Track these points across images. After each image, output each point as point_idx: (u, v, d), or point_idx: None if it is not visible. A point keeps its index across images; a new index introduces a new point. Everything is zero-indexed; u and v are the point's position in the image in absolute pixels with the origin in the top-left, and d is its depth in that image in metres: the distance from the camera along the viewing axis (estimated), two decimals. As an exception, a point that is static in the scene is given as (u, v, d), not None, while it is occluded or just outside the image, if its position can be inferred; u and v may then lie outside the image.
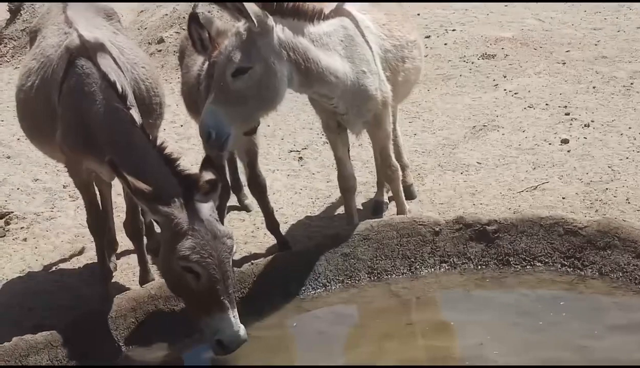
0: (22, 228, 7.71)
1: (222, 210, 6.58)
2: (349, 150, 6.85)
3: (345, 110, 6.33)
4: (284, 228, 7.19)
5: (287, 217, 7.50)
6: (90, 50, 5.94)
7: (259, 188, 6.83)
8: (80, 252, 7.15)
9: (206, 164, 5.49)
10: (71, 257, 7.20)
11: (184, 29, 11.85)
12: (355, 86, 6.23)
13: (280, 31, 5.84)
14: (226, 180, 6.99)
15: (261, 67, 5.79)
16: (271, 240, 7.04)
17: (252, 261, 6.23)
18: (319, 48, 6.04)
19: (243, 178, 7.28)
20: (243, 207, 7.71)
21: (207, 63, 6.37)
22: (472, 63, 10.42)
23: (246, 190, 7.32)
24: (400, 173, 6.92)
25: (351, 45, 6.23)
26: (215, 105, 5.73)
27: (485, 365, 5.11)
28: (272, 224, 6.92)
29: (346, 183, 6.74)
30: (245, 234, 7.30)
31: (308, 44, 5.96)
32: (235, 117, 5.80)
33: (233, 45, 5.74)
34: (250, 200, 7.45)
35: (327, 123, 6.63)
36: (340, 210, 7.37)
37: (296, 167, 8.37)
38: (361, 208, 7.47)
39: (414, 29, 7.08)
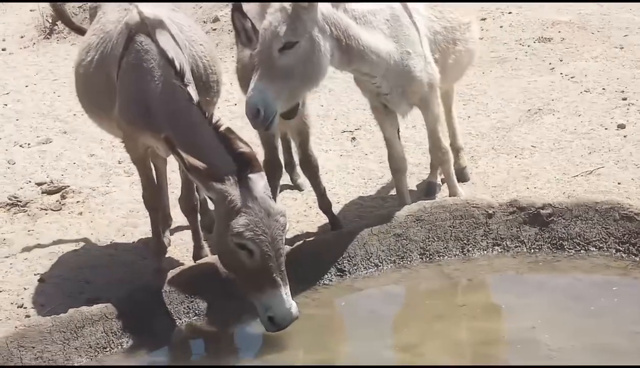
0: (77, 202, 7.82)
1: (275, 188, 6.63)
2: (398, 131, 6.82)
3: (388, 90, 6.30)
4: (336, 208, 7.21)
5: (339, 197, 7.51)
6: (149, 26, 5.99)
7: (311, 169, 6.84)
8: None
9: (230, 134, 5.50)
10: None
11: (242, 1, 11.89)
12: (399, 66, 6.20)
13: (323, 6, 5.84)
14: (279, 159, 7.02)
15: (306, 42, 5.78)
16: (323, 220, 7.07)
17: (305, 239, 6.26)
18: (362, 25, 6.03)
19: (296, 157, 7.30)
20: (296, 186, 7.73)
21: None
22: (528, 46, 10.32)
23: (299, 169, 7.34)
24: (451, 155, 6.89)
25: (396, 25, 6.19)
26: (261, 82, 5.72)
27: (488, 365, 5.09)
28: (324, 204, 6.94)
29: (396, 164, 6.73)
30: (298, 213, 7.33)
31: (349, 21, 5.95)
32: (281, 93, 5.79)
33: (278, 21, 5.73)
34: (303, 179, 7.48)
35: (373, 104, 6.62)
36: (393, 191, 7.37)
37: (349, 147, 8.38)
38: (414, 189, 7.45)
39: (470, 12, 7.02)
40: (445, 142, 6.84)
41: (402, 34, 6.22)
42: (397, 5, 6.23)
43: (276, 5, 5.79)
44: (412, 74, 6.28)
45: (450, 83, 7.14)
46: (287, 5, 5.74)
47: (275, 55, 5.73)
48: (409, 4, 6.31)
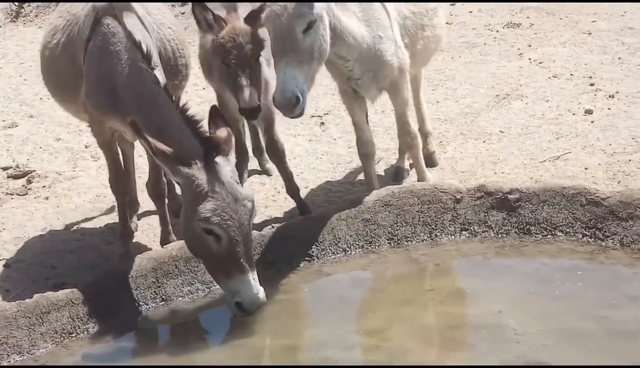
0: (44, 187, 7.75)
1: (241, 174, 6.60)
2: (367, 116, 6.81)
3: (360, 75, 6.29)
4: (304, 193, 7.20)
5: (308, 181, 7.50)
6: (116, 9, 5.94)
7: (277, 154, 6.83)
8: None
9: (215, 115, 5.50)
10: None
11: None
12: (371, 50, 6.20)
13: None
14: (244, 145, 6.99)
15: (319, 20, 5.74)
16: (292, 204, 7.06)
17: (273, 224, 6.25)
18: (339, 7, 6.01)
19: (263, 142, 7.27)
20: (264, 171, 7.71)
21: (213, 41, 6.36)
22: (497, 31, 10.34)
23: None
24: (420, 140, 6.89)
25: (368, 8, 6.19)
26: (292, 68, 5.62)
27: (494, 366, 5.12)
28: (292, 189, 6.93)
29: (365, 148, 6.72)
30: (266, 198, 7.31)
31: (330, 2, 5.93)
32: (307, 76, 5.74)
33: (293, 3, 5.62)
34: (271, 164, 7.45)
35: (342, 88, 6.59)
36: (361, 176, 7.36)
37: (318, 132, 8.36)
38: (382, 174, 7.46)
39: None
40: (414, 126, 6.84)
41: (374, 17, 6.21)
42: None
43: None
44: (384, 58, 6.27)
45: (418, 68, 7.14)
46: None
47: (300, 37, 5.65)
48: None
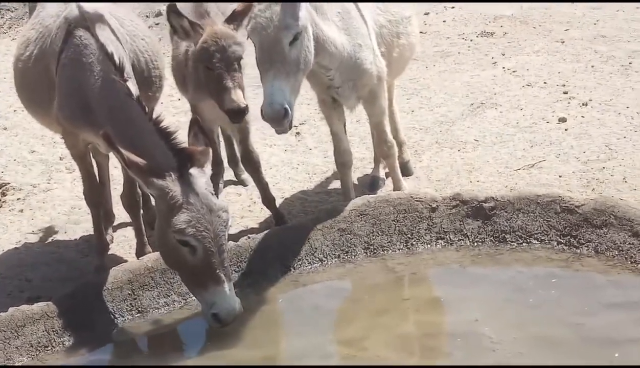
0: (18, 199, 7.71)
1: (216, 185, 6.59)
2: (345, 125, 6.83)
3: (340, 83, 6.31)
4: (280, 203, 7.20)
5: (284, 191, 7.50)
6: (88, 21, 5.92)
7: (252, 164, 6.81)
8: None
9: (194, 127, 5.50)
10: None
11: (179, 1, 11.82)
12: (351, 59, 6.21)
13: None
14: (219, 155, 6.98)
15: (305, 31, 5.74)
16: (268, 214, 7.05)
17: (249, 235, 6.24)
18: (320, 16, 6.02)
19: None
20: (240, 182, 7.69)
21: (191, 47, 6.35)
22: (471, 40, 10.39)
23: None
24: (396, 149, 6.91)
25: (348, 17, 6.20)
26: (279, 81, 5.60)
27: (492, 365, 5.13)
28: (267, 199, 6.92)
29: (342, 158, 6.73)
30: (242, 208, 7.30)
31: (312, 11, 5.93)
32: (294, 88, 5.73)
33: (279, 15, 5.62)
34: (247, 174, 7.44)
35: (321, 97, 6.60)
36: (337, 185, 7.37)
37: (293, 142, 8.36)
38: (357, 183, 7.46)
39: (410, 5, 7.05)
40: (390, 135, 6.85)
41: (353, 26, 6.23)
42: None
43: (266, 2, 5.67)
44: (363, 67, 6.29)
45: (394, 76, 7.16)
46: None
47: (287, 49, 5.64)
48: None
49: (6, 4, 12.55)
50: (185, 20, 6.13)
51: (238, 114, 6.10)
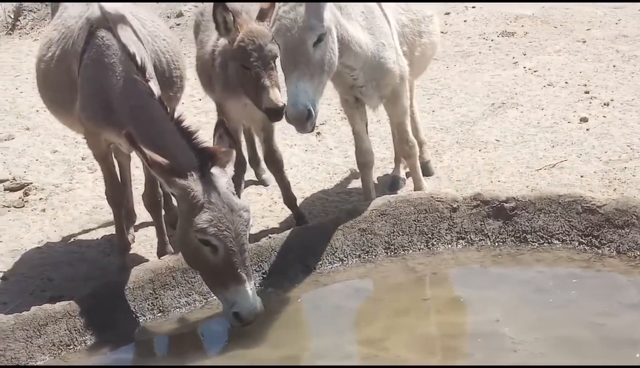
0: (40, 199, 7.75)
1: (238, 184, 6.61)
2: (366, 125, 6.83)
3: (363, 83, 6.31)
4: (300, 203, 7.21)
5: (304, 191, 7.51)
6: (110, 21, 5.95)
7: (275, 163, 6.82)
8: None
9: (220, 128, 5.52)
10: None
11: (202, 3, 11.87)
12: (375, 58, 6.21)
13: None
14: (242, 155, 6.99)
15: (329, 32, 5.75)
16: (288, 214, 7.06)
17: (270, 235, 6.25)
18: (344, 16, 6.03)
19: (261, 153, 7.27)
20: (260, 182, 7.71)
21: (225, 43, 6.34)
22: (492, 40, 10.38)
23: (264, 164, 7.32)
24: (417, 149, 6.91)
25: (371, 17, 6.21)
26: (303, 82, 5.62)
27: (492, 366, 5.13)
28: (289, 199, 6.93)
29: (364, 158, 6.73)
30: (263, 208, 7.31)
31: (337, 11, 5.94)
32: (318, 89, 5.74)
33: (303, 16, 5.63)
34: (268, 174, 7.46)
35: (344, 97, 6.61)
36: (357, 185, 7.37)
37: (314, 142, 8.37)
38: (378, 183, 7.46)
39: (431, 4, 7.05)
40: (412, 135, 6.85)
41: (376, 26, 6.23)
42: None
43: (291, 3, 5.69)
44: (387, 66, 6.29)
45: (416, 75, 7.16)
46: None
47: (311, 51, 5.65)
48: None
49: (28, 5, 12.64)
50: (230, 15, 6.10)
51: (276, 113, 6.06)
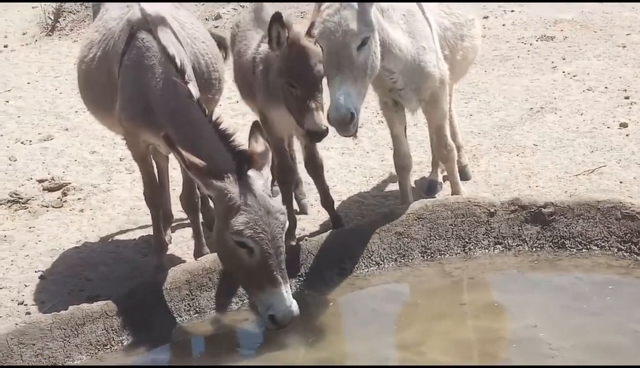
0: (78, 199, 7.81)
1: (289, 194, 6.57)
2: (405, 129, 6.82)
3: (403, 86, 6.30)
4: (337, 206, 7.20)
5: (341, 194, 7.50)
6: (151, 23, 5.99)
7: (316, 168, 6.76)
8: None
9: (256, 131, 5.53)
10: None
11: (242, 6, 11.90)
12: (415, 62, 6.20)
13: None
14: (290, 163, 6.80)
15: (373, 36, 5.75)
16: (324, 217, 7.05)
17: (306, 237, 6.25)
18: (386, 19, 6.02)
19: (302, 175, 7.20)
20: (300, 207, 7.31)
21: (266, 50, 6.29)
22: (531, 45, 10.32)
23: (303, 188, 7.23)
24: (455, 153, 6.89)
25: (412, 20, 6.20)
26: (346, 86, 5.61)
27: (488, 365, 5.08)
28: (327, 202, 6.90)
29: (402, 161, 6.71)
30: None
31: (379, 14, 5.94)
32: (360, 93, 5.74)
33: (348, 19, 5.62)
34: (306, 201, 7.32)
35: (383, 100, 6.59)
36: (394, 189, 7.36)
37: (350, 145, 8.36)
38: (414, 187, 7.44)
39: (473, 7, 7.03)
40: (450, 139, 6.83)
41: (417, 29, 6.22)
42: (413, 3, 6.24)
43: (336, 5, 5.69)
44: (427, 69, 6.28)
45: (457, 79, 7.16)
46: (352, 3, 5.65)
47: (355, 54, 5.65)
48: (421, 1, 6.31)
49: (69, 6, 12.75)
50: (286, 31, 5.99)
51: (319, 136, 6.01)
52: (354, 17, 5.62)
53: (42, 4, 12.56)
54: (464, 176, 7.44)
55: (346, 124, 5.63)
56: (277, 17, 5.97)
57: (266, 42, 6.33)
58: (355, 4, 5.65)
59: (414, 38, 6.18)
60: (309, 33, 6.07)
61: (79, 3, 12.61)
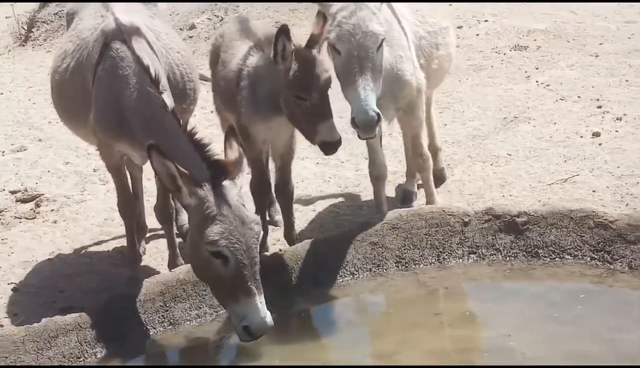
0: (52, 210, 7.77)
1: (263, 208, 6.51)
2: (381, 139, 6.82)
3: (381, 95, 6.31)
4: (312, 217, 7.20)
5: (316, 205, 7.50)
6: (125, 34, 5.97)
7: (286, 196, 6.60)
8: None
9: (230, 136, 5.50)
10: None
11: (216, 16, 11.91)
12: (393, 70, 6.24)
13: None
14: (268, 179, 6.69)
15: (385, 36, 5.83)
16: (298, 228, 7.01)
17: (281, 248, 6.24)
18: None
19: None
20: (273, 223, 7.22)
21: (255, 64, 6.27)
22: (504, 54, 10.36)
23: (278, 206, 6.99)
24: (431, 163, 6.91)
25: (389, 29, 6.22)
26: (370, 88, 5.68)
27: (484, 365, 5.10)
28: (290, 235, 6.68)
29: (377, 171, 6.73)
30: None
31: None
32: (377, 93, 5.80)
33: (366, 20, 5.67)
34: (280, 216, 7.07)
35: None
36: (368, 199, 7.37)
37: (325, 155, 8.33)
38: (390, 195, 7.44)
39: (446, 16, 7.07)
40: (426, 148, 6.84)
41: (394, 38, 6.27)
42: (387, 10, 6.25)
43: (350, 6, 5.70)
44: (404, 78, 6.32)
45: (433, 87, 7.19)
46: (367, 3, 5.69)
47: (375, 55, 5.72)
48: (396, 9, 6.34)
49: (43, 15, 12.69)
50: (292, 44, 5.91)
51: (333, 147, 5.96)
52: (371, 18, 5.67)
53: (16, 13, 12.49)
54: (442, 178, 7.54)
55: (373, 125, 5.70)
56: (283, 30, 5.89)
57: (254, 55, 6.30)
58: (370, 5, 5.67)
59: (391, 47, 6.21)
60: (310, 45, 6.00)
61: (52, 13, 12.55)
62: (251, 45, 6.38)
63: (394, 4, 6.35)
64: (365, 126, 5.69)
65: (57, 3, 12.55)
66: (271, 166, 6.78)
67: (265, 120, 6.23)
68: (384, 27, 5.75)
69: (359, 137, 5.92)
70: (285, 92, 6.00)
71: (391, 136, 8.27)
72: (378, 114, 5.66)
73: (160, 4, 6.94)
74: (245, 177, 5.61)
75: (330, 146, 5.95)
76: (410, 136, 6.76)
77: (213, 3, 12.19)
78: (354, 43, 5.69)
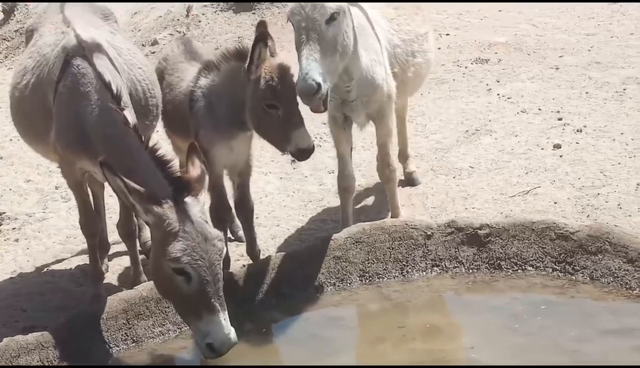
0: (13, 229, 7.70)
1: (224, 232, 6.39)
2: (351, 150, 6.84)
3: (355, 97, 6.36)
4: (275, 231, 7.19)
5: (279, 220, 7.50)
6: (86, 50, 5.94)
7: (246, 212, 6.58)
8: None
9: (192, 153, 5.49)
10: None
11: (178, 31, 11.89)
12: (368, 73, 6.31)
13: None
14: (227, 202, 6.54)
15: (343, 14, 5.89)
16: (262, 244, 7.02)
17: (244, 264, 6.23)
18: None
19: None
20: (236, 238, 7.22)
21: (208, 84, 6.27)
22: (466, 67, 10.44)
23: (238, 221, 6.97)
24: (397, 175, 6.96)
25: (364, 33, 6.32)
26: (314, 57, 5.71)
27: (482, 365, 5.12)
28: (252, 251, 6.68)
29: (346, 182, 6.74)
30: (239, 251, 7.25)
31: (358, 10, 6.16)
32: (329, 68, 5.83)
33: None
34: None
35: (333, 115, 6.58)
36: (332, 213, 7.38)
37: (289, 169, 8.37)
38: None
39: (425, 22, 7.12)
40: (394, 160, 6.86)
41: (368, 42, 6.35)
42: (361, 14, 6.32)
43: None
44: (377, 82, 6.39)
45: (409, 95, 7.27)
46: None
47: (324, 27, 5.77)
48: (370, 15, 6.39)
49: (3, 33, 12.60)
50: (267, 52, 5.91)
51: (308, 153, 5.95)
52: None
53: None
54: (412, 182, 7.73)
55: (312, 94, 5.70)
56: (261, 38, 5.88)
57: (207, 76, 6.28)
58: None
59: (366, 50, 6.28)
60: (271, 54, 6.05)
61: (13, 30, 12.47)
62: (200, 67, 6.35)
63: (368, 11, 6.40)
64: (303, 94, 5.73)
65: (18, 20, 12.47)
66: (228, 184, 6.72)
67: (226, 139, 6.21)
68: (339, 5, 5.80)
69: (311, 110, 5.94)
70: (253, 103, 5.98)
71: (355, 150, 8.27)
72: (319, 84, 5.67)
73: (119, 20, 6.91)
74: (206, 195, 5.58)
75: (305, 153, 5.95)
76: (379, 144, 6.78)
77: (175, 19, 12.17)
78: (303, 15, 5.79)
